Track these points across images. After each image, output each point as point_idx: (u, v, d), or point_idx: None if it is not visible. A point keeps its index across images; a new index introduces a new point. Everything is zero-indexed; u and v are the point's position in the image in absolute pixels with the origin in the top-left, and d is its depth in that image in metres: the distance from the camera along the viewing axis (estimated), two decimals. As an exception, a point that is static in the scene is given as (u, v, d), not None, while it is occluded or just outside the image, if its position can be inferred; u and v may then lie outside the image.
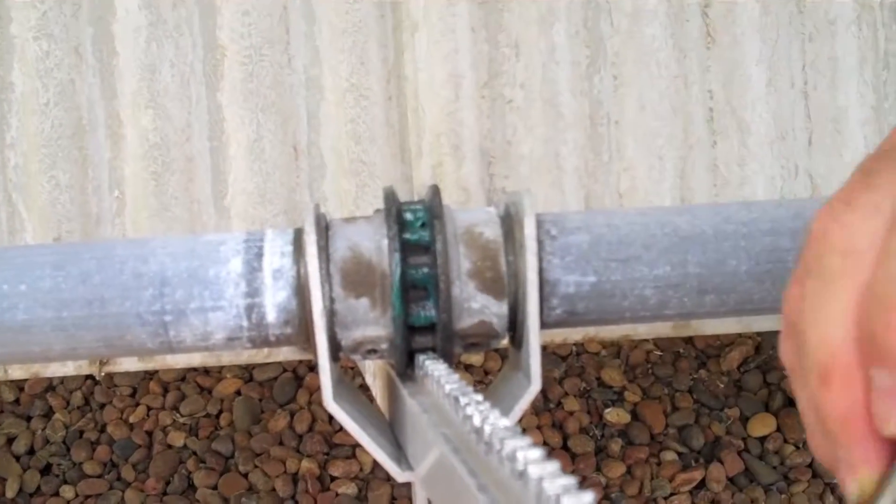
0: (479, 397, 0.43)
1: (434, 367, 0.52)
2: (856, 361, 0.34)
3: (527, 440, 0.35)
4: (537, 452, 0.33)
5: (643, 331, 1.16)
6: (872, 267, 0.34)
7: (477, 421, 0.39)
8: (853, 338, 0.34)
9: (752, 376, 1.86)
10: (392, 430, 0.64)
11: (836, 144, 1.15)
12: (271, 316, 0.56)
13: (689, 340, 1.89)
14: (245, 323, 0.56)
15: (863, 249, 0.35)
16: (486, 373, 1.84)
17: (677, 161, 1.13)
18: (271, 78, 1.11)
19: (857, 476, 0.35)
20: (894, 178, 0.35)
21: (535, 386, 0.56)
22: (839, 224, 0.35)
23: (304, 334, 0.57)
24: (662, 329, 1.16)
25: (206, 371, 1.84)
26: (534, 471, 0.31)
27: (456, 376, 0.49)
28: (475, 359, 1.84)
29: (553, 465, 0.32)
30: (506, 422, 0.38)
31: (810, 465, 1.77)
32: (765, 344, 1.88)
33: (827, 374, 0.35)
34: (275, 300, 0.56)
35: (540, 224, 0.58)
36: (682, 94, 1.13)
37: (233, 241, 0.58)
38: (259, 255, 0.57)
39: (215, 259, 0.56)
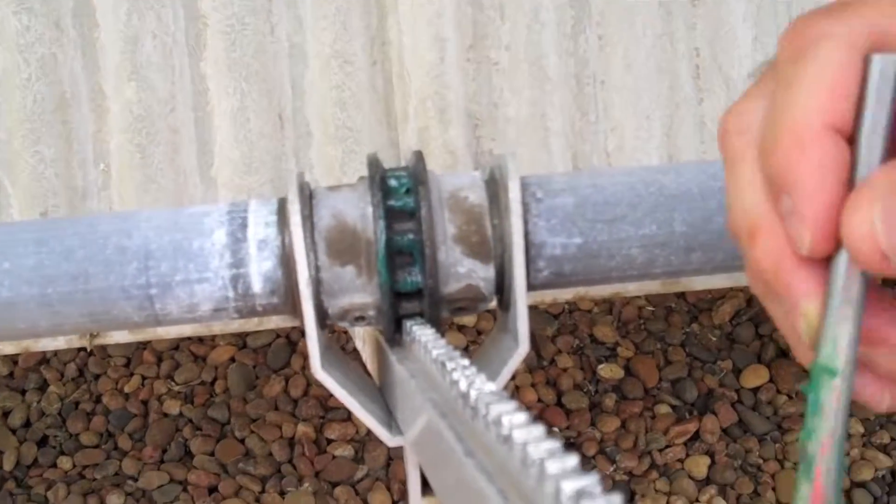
0: (466, 362, 0.43)
1: (421, 333, 0.53)
2: (774, 216, 0.36)
3: (512, 404, 0.35)
4: (522, 417, 0.33)
5: (633, 288, 1.17)
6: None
7: (463, 386, 0.40)
8: (766, 199, 0.37)
9: (744, 328, 1.87)
10: (382, 395, 0.64)
11: (821, 97, 1.15)
12: (257, 286, 0.56)
13: (680, 295, 1.90)
14: (231, 294, 0.56)
15: (752, 125, 0.38)
16: (479, 332, 1.85)
17: (664, 119, 1.13)
18: (254, 46, 1.10)
19: (802, 313, 0.36)
20: (771, 76, 0.38)
21: (523, 348, 0.56)
22: (732, 114, 0.39)
23: (290, 303, 0.57)
24: (652, 286, 1.16)
25: (199, 339, 1.85)
26: (518, 435, 0.31)
27: (443, 341, 0.49)
28: (468, 319, 1.85)
29: (538, 430, 0.32)
30: (491, 386, 0.38)
31: (803, 415, 1.78)
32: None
33: (752, 232, 0.37)
34: (260, 270, 0.56)
35: (525, 187, 0.58)
36: (668, 52, 1.13)
37: (216, 212, 0.57)
38: (243, 226, 0.56)
39: (199, 231, 0.56)
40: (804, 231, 0.34)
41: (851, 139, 0.35)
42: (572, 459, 0.28)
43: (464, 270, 0.56)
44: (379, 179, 0.56)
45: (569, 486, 0.26)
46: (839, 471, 0.36)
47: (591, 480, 0.27)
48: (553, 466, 0.28)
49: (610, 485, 1.72)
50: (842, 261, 0.35)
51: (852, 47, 0.34)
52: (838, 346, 0.35)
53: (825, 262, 0.36)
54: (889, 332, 0.37)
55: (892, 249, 0.32)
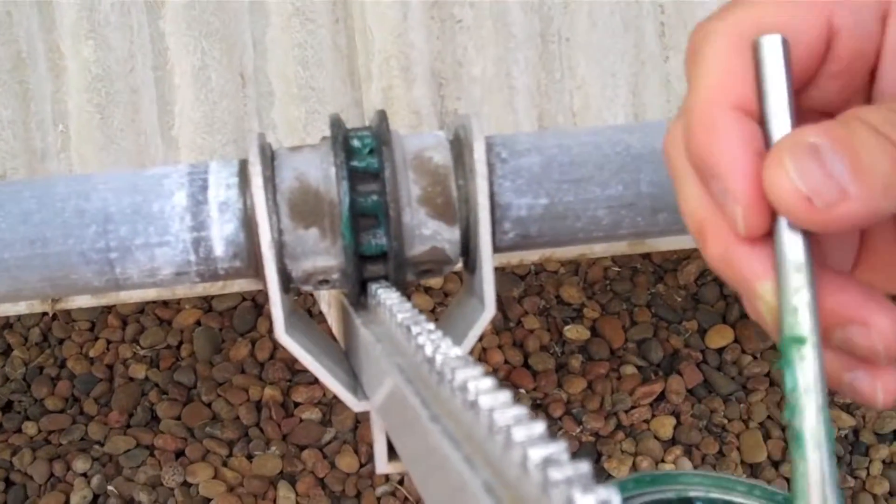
0: (431, 326, 0.43)
1: (386, 296, 0.52)
2: (715, 211, 0.38)
3: (478, 370, 0.34)
4: (488, 382, 0.33)
5: (599, 249, 1.17)
6: None
7: (428, 350, 0.39)
8: (705, 199, 0.38)
9: (709, 289, 1.88)
10: (348, 359, 0.64)
11: (787, 56, 1.14)
12: (219, 249, 0.55)
13: (646, 256, 1.90)
14: (192, 257, 0.55)
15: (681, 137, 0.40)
16: (446, 294, 1.85)
17: (630, 77, 1.12)
18: (214, 4, 1.08)
19: (759, 296, 0.37)
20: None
21: (489, 311, 0.55)
22: (667, 134, 0.40)
23: (253, 267, 0.56)
24: (618, 246, 1.16)
25: (164, 303, 1.83)
26: (484, 401, 0.31)
27: (408, 305, 0.49)
28: (434, 281, 1.84)
29: (505, 396, 0.31)
30: (457, 351, 0.38)
31: (768, 375, 1.80)
32: (721, 257, 1.90)
33: (701, 233, 0.39)
34: (222, 233, 0.55)
35: (490, 147, 0.57)
36: (633, 8, 1.12)
37: (176, 174, 0.56)
38: (204, 188, 0.55)
39: (158, 193, 0.55)
40: (735, 206, 0.36)
41: (761, 122, 0.36)
42: (539, 426, 0.28)
43: (429, 232, 0.56)
44: (342, 140, 0.55)
45: (536, 454, 0.26)
46: (830, 441, 0.35)
47: (558, 447, 0.26)
48: (520, 433, 0.28)
49: (576, 446, 1.73)
50: (782, 229, 0.36)
51: (740, 36, 0.37)
52: (800, 313, 0.36)
53: (770, 243, 0.37)
54: (853, 309, 0.37)
55: (811, 190, 0.34)
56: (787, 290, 0.36)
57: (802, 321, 0.36)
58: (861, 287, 0.38)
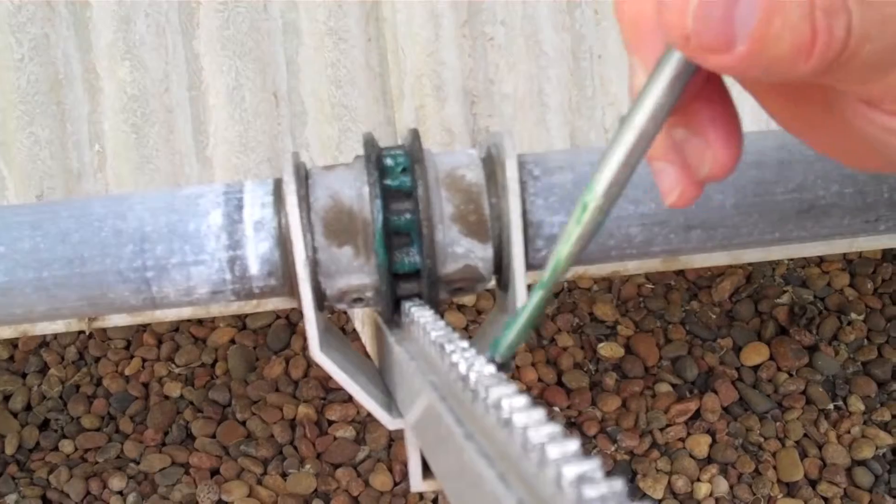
0: (465, 344, 0.43)
1: (420, 314, 0.52)
2: None
3: (512, 387, 0.34)
4: (522, 400, 0.33)
5: (632, 266, 1.16)
6: None
7: (462, 368, 0.39)
8: None
9: (744, 306, 1.87)
10: (382, 377, 0.64)
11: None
12: (254, 268, 0.56)
13: (679, 272, 1.90)
14: (228, 276, 0.56)
15: None
16: (479, 312, 1.84)
17: (662, 94, 1.12)
18: (248, 24, 1.09)
19: (633, 74, 0.36)
20: None
21: (523, 329, 0.55)
22: None
23: (288, 285, 0.57)
24: (651, 263, 1.15)
25: (199, 321, 1.85)
26: (519, 419, 0.31)
27: (442, 323, 0.49)
28: (467, 299, 1.84)
29: (538, 413, 0.31)
30: (491, 369, 0.38)
31: (804, 392, 1.79)
32: (755, 273, 1.89)
33: None
34: (257, 252, 0.55)
35: (522, 165, 0.58)
36: (665, 25, 1.12)
37: (212, 193, 0.57)
38: (239, 207, 0.56)
39: (195, 212, 0.56)
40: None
41: None
42: (573, 444, 0.28)
43: (462, 250, 0.56)
44: (375, 158, 0.55)
45: (570, 471, 0.26)
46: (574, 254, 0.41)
47: (592, 465, 0.26)
48: (554, 451, 0.28)
49: (611, 465, 1.72)
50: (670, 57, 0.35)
51: None
52: (598, 181, 0.38)
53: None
54: (706, 123, 0.37)
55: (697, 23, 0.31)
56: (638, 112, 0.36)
57: (597, 187, 0.38)
58: (729, 111, 0.37)
